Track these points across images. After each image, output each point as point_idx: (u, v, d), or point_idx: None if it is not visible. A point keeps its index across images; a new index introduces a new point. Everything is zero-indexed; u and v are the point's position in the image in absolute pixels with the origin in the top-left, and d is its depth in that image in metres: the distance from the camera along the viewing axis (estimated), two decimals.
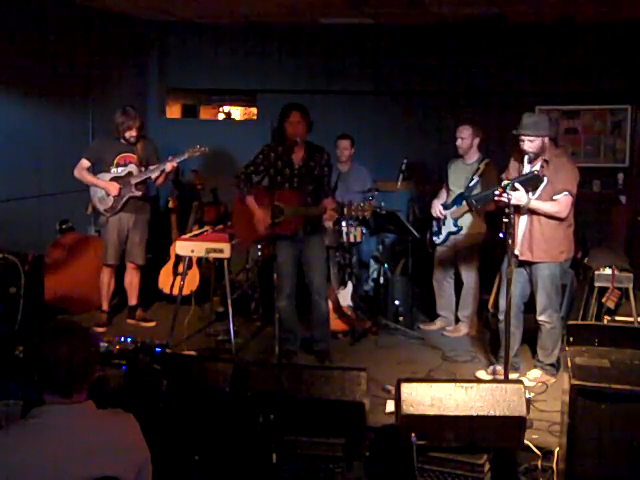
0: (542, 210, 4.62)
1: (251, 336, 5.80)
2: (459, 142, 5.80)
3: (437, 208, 5.94)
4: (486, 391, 3.48)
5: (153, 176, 5.78)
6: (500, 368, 4.70)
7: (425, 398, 3.46)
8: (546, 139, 4.61)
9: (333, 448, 3.60)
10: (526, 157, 4.66)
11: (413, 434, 3.39)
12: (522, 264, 4.77)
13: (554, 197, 4.60)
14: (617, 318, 5.27)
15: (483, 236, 5.89)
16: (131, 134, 5.72)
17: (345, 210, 4.98)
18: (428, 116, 7.53)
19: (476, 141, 5.80)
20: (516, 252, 4.69)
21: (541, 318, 4.81)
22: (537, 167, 4.62)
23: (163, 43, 8.11)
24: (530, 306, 4.90)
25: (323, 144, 5.27)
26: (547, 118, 4.84)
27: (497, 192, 4.46)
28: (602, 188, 7.27)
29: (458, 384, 3.52)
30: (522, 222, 4.71)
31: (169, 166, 5.72)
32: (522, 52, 7.15)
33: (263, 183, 5.31)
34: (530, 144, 4.59)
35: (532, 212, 4.64)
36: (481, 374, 4.97)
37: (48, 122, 6.54)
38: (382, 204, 6.03)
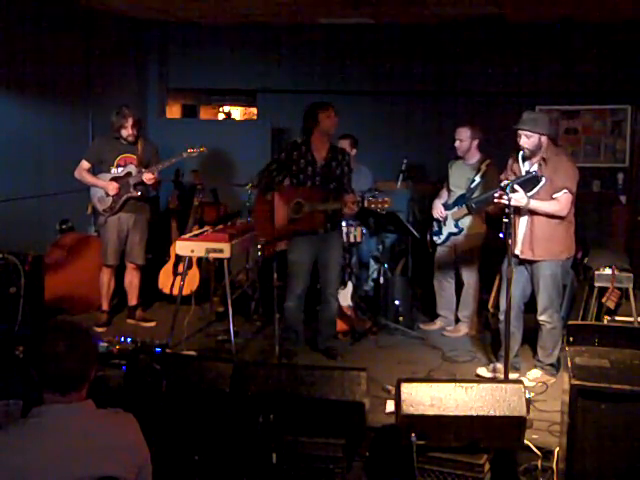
0: (542, 210, 4.61)
1: (251, 336, 5.80)
2: (457, 144, 5.80)
3: (438, 208, 5.94)
4: (486, 391, 3.47)
5: (144, 180, 5.77)
6: (500, 366, 4.70)
7: (425, 398, 3.46)
8: (543, 138, 4.61)
9: (333, 448, 3.60)
10: (521, 153, 4.66)
11: (413, 434, 3.39)
12: (523, 263, 4.76)
13: (554, 195, 4.60)
14: (617, 318, 5.27)
15: (483, 236, 5.88)
16: (127, 132, 5.72)
17: (365, 202, 4.95)
18: (428, 116, 7.54)
19: (475, 142, 5.80)
20: (516, 252, 4.69)
21: (542, 318, 4.81)
22: (535, 167, 4.63)
23: (163, 43, 8.11)
24: (530, 306, 4.90)
25: None
26: (547, 117, 4.83)
27: (496, 194, 4.46)
28: (602, 188, 7.28)
29: (458, 384, 3.52)
30: (522, 221, 4.71)
31: (146, 178, 5.68)
32: (522, 52, 7.16)
33: (285, 182, 5.31)
34: (526, 140, 4.59)
35: (532, 211, 4.65)
36: (482, 371, 4.97)
37: (48, 122, 6.54)
38: None
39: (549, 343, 4.86)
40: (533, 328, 4.94)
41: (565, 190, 4.59)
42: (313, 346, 5.38)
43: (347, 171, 5.25)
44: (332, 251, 5.21)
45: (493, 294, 5.73)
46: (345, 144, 6.50)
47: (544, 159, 4.63)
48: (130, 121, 5.71)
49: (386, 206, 5.05)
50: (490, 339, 5.63)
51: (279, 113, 7.85)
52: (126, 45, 7.70)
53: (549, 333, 4.83)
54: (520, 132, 4.60)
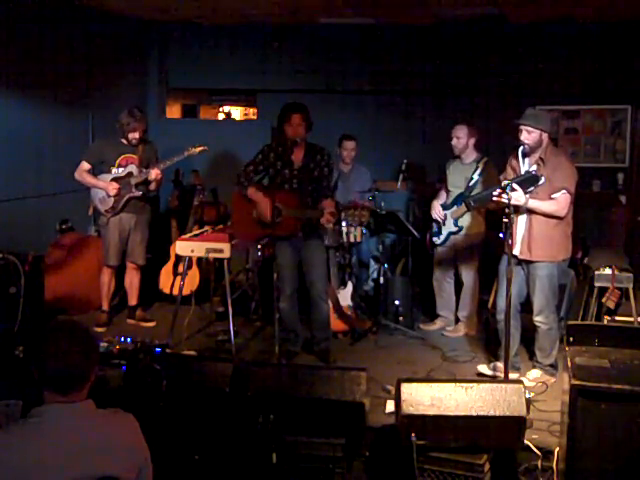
0: (541, 209, 4.61)
1: (251, 336, 5.81)
2: (455, 141, 5.80)
3: (437, 209, 5.94)
4: (486, 391, 3.48)
5: (150, 178, 5.77)
6: (501, 365, 4.69)
7: (425, 398, 3.46)
8: (544, 135, 4.61)
9: (333, 448, 3.60)
10: (521, 149, 4.66)
11: (413, 434, 3.39)
12: (520, 263, 4.76)
13: (552, 196, 4.60)
14: (617, 318, 5.27)
15: (483, 236, 5.89)
16: (134, 136, 5.72)
17: (343, 214, 4.94)
18: (428, 116, 7.54)
19: (472, 141, 5.80)
20: (515, 252, 4.69)
21: (538, 319, 4.79)
22: (534, 167, 4.63)
23: (163, 43, 8.11)
24: (529, 306, 4.89)
25: (323, 144, 5.26)
26: (550, 116, 4.83)
27: (496, 193, 4.46)
28: (602, 188, 7.28)
29: (458, 384, 3.52)
30: (521, 221, 4.71)
31: (154, 174, 5.71)
32: (522, 52, 7.16)
33: (263, 183, 5.31)
34: (527, 135, 4.59)
35: (531, 211, 4.65)
36: (482, 368, 4.96)
37: (48, 122, 6.54)
38: (382, 204, 6.04)
39: (546, 344, 4.85)
40: (532, 328, 4.94)
41: (564, 190, 4.58)
42: (309, 348, 5.36)
43: (327, 172, 5.11)
44: (313, 253, 5.15)
45: (493, 294, 5.73)
46: (352, 145, 6.48)
47: (542, 159, 4.63)
48: (142, 126, 5.72)
49: (364, 220, 5.04)
50: (490, 339, 5.62)
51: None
52: (126, 45, 7.70)
53: (545, 334, 4.83)
54: (522, 127, 4.60)
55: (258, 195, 5.07)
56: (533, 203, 4.58)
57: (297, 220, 4.99)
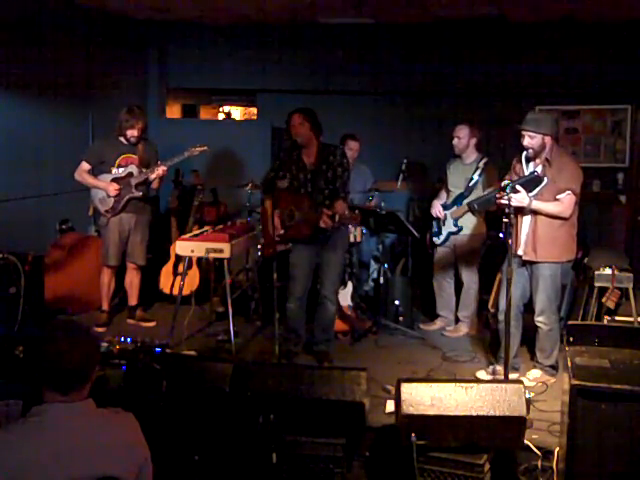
0: (545, 210, 4.61)
1: (251, 336, 5.81)
2: (456, 141, 5.80)
3: (437, 208, 5.94)
4: (486, 391, 3.47)
5: (151, 177, 5.77)
6: (500, 368, 4.70)
7: (425, 398, 3.46)
8: (547, 138, 4.60)
9: (333, 448, 3.59)
10: (524, 153, 4.66)
11: (413, 434, 3.39)
12: (524, 264, 4.76)
13: (557, 197, 4.60)
14: (617, 318, 5.27)
15: (483, 237, 5.89)
16: (132, 133, 5.71)
17: (336, 218, 4.86)
18: (428, 116, 7.54)
19: (473, 141, 5.80)
20: (519, 252, 4.69)
21: (539, 319, 4.80)
22: (539, 168, 4.62)
23: (163, 43, 8.11)
24: (530, 306, 4.90)
25: None
26: (551, 118, 4.81)
27: (498, 195, 4.46)
28: (602, 188, 7.28)
29: (458, 384, 3.52)
30: (525, 222, 4.70)
31: (160, 170, 5.71)
32: (522, 52, 7.16)
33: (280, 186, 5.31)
34: (530, 140, 4.59)
35: (535, 212, 4.64)
36: (481, 374, 4.97)
37: (48, 122, 6.54)
38: (382, 204, 6.04)
39: (547, 345, 4.85)
40: (532, 328, 4.94)
41: (568, 191, 4.58)
42: (310, 349, 5.36)
43: (340, 172, 5.02)
44: (329, 255, 5.12)
45: (493, 294, 5.73)
46: (356, 146, 6.47)
47: (548, 160, 4.62)
48: (140, 124, 5.71)
49: (354, 222, 5.00)
50: (490, 339, 5.63)
51: (279, 113, 7.83)
52: (126, 45, 7.70)
53: (546, 335, 4.82)
54: (524, 132, 4.60)
55: (269, 209, 5.10)
56: (537, 204, 4.57)
57: (309, 223, 4.97)
